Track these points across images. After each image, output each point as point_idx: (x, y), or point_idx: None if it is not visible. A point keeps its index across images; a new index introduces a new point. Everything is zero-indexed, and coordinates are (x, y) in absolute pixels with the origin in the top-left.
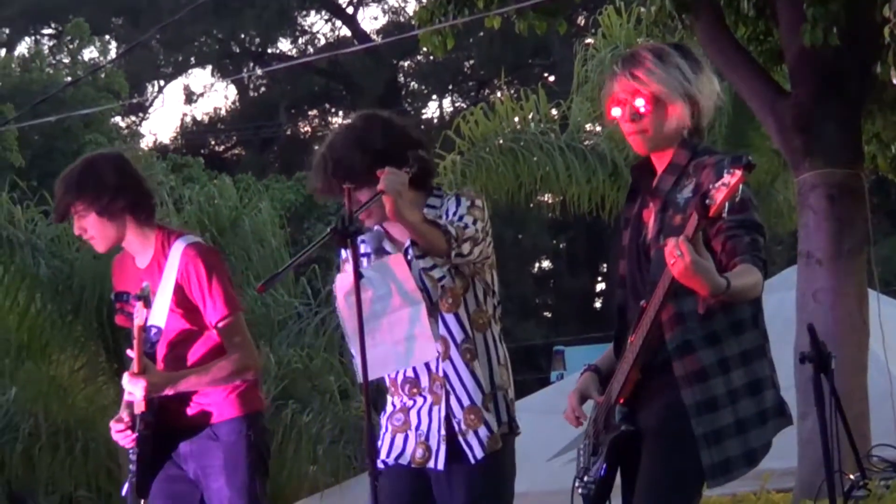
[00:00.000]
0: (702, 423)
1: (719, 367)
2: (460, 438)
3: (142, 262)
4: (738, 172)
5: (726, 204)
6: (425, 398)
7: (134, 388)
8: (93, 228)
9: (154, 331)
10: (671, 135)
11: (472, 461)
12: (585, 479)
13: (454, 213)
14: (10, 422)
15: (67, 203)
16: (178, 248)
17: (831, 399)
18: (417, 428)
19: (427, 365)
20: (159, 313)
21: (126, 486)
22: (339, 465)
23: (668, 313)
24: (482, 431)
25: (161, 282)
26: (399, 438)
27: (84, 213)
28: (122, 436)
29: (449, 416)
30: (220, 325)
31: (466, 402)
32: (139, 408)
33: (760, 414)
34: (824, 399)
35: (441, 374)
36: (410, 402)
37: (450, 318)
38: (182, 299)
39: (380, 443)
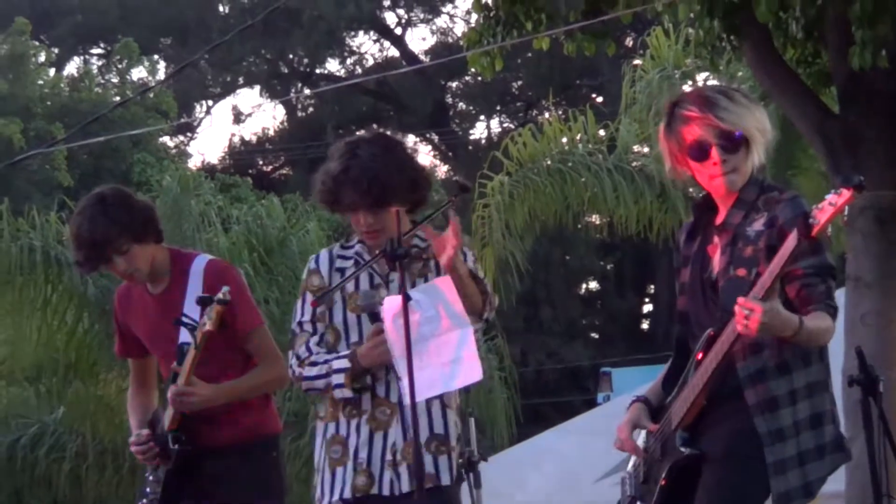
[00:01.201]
0: (773, 452)
1: (788, 398)
2: (389, 470)
3: (155, 288)
4: (847, 193)
5: (829, 225)
6: (361, 420)
7: (183, 400)
8: (137, 259)
9: (186, 349)
10: (750, 172)
11: (398, 493)
12: None
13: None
14: (58, 441)
15: (111, 245)
16: (199, 266)
17: (879, 422)
18: (356, 458)
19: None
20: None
21: None
22: None
23: (745, 341)
24: (446, 461)
25: (185, 302)
26: (339, 471)
27: (126, 247)
28: (143, 449)
29: (389, 445)
30: (251, 333)
31: (410, 436)
32: (171, 424)
33: (819, 448)
34: (872, 422)
35: (394, 401)
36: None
37: None
38: (176, 322)
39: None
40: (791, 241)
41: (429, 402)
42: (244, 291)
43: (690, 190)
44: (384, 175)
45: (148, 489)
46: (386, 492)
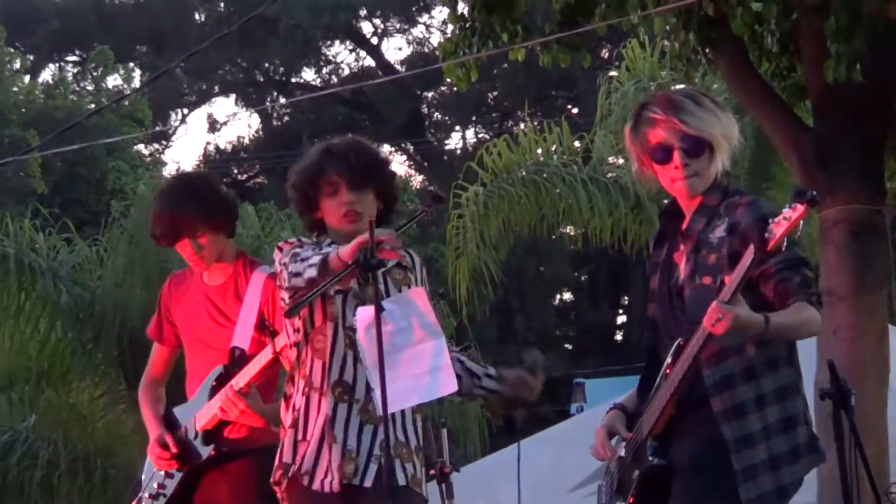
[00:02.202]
0: (741, 459)
1: (756, 404)
2: (375, 463)
3: (212, 279)
4: (801, 207)
5: (785, 239)
6: (352, 407)
7: (229, 406)
8: (208, 247)
9: (238, 352)
10: (714, 177)
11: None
12: None
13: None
14: (30, 449)
15: (193, 224)
16: (259, 277)
17: (851, 436)
18: (345, 444)
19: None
20: (243, 336)
21: None
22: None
23: (710, 349)
24: (408, 467)
25: (243, 306)
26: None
27: (202, 233)
28: (165, 456)
29: (378, 440)
30: None
31: (401, 438)
32: (207, 425)
33: (793, 450)
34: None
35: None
36: (331, 412)
37: None
38: (261, 325)
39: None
40: (748, 255)
41: (413, 415)
42: None
43: (665, 201)
44: (367, 153)
45: (155, 483)
46: (368, 483)
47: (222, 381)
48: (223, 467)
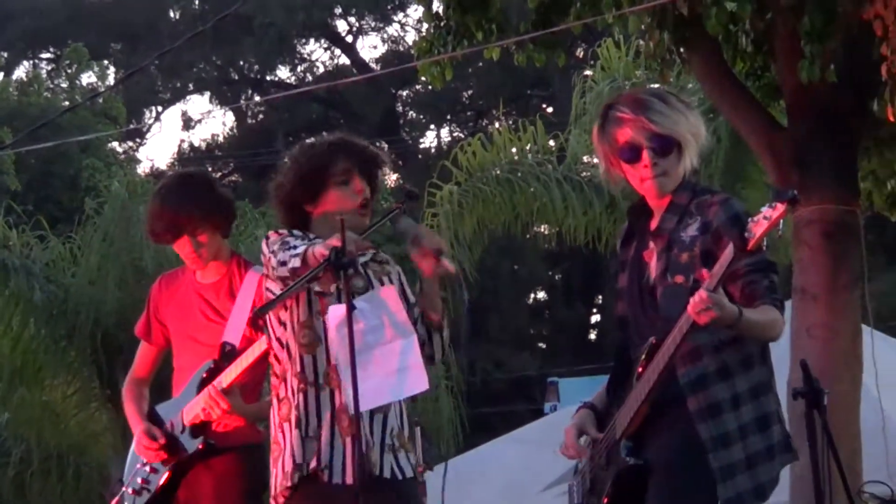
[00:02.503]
0: (718, 458)
1: (731, 403)
2: (389, 454)
3: (206, 277)
4: (781, 207)
5: (765, 238)
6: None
7: (211, 405)
8: (206, 245)
9: (228, 347)
10: (682, 176)
11: (400, 477)
12: None
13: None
14: (2, 447)
15: (194, 222)
16: (254, 276)
17: (824, 435)
18: (365, 435)
19: None
20: (234, 332)
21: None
22: None
23: (685, 348)
24: (412, 457)
25: (236, 303)
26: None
27: (202, 230)
28: (154, 447)
29: (388, 429)
30: None
31: (405, 426)
32: (194, 420)
33: (768, 449)
34: (817, 435)
35: None
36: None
37: None
38: (255, 322)
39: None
40: (728, 254)
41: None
42: None
43: None
44: (371, 146)
45: (139, 478)
46: (387, 474)
47: (212, 374)
48: (207, 463)
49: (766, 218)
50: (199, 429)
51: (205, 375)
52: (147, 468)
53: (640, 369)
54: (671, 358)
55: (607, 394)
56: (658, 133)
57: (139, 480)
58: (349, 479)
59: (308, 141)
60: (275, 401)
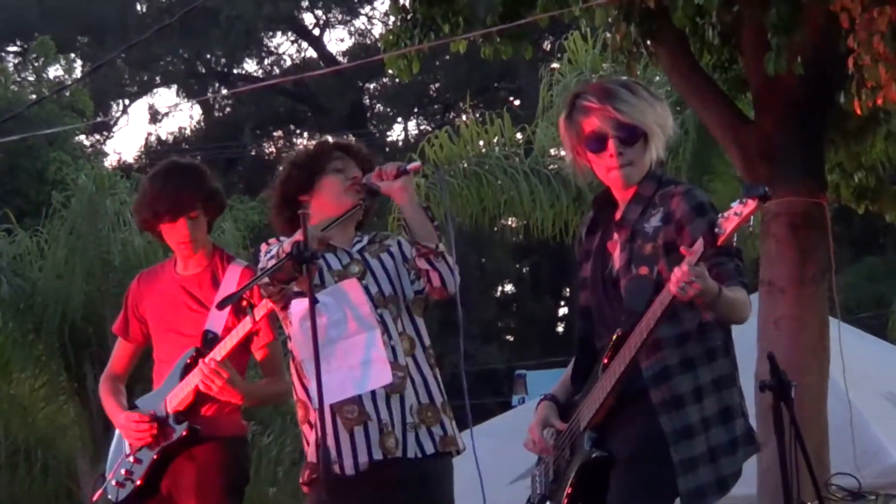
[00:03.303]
0: (679, 451)
1: (694, 395)
2: (411, 432)
3: (188, 269)
4: (753, 203)
5: (734, 234)
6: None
7: (212, 376)
8: (198, 230)
9: (210, 335)
10: (648, 166)
11: (420, 455)
12: None
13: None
14: None
15: (194, 203)
16: (236, 269)
17: (791, 428)
18: (379, 419)
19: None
20: (217, 320)
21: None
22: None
23: (648, 340)
24: (436, 430)
25: (218, 293)
26: (359, 431)
27: (197, 213)
28: (143, 428)
29: (407, 407)
30: (269, 345)
31: (425, 400)
32: (179, 406)
33: (731, 442)
34: (784, 428)
35: (403, 364)
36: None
37: (420, 322)
38: (238, 308)
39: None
40: (697, 249)
41: (431, 366)
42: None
43: None
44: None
45: (123, 469)
46: (411, 454)
47: (196, 360)
48: (191, 453)
49: (736, 214)
50: (183, 415)
51: (188, 361)
52: (131, 459)
53: (605, 360)
54: (639, 348)
55: (572, 384)
56: (624, 122)
57: (123, 472)
58: (362, 468)
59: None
60: (298, 403)
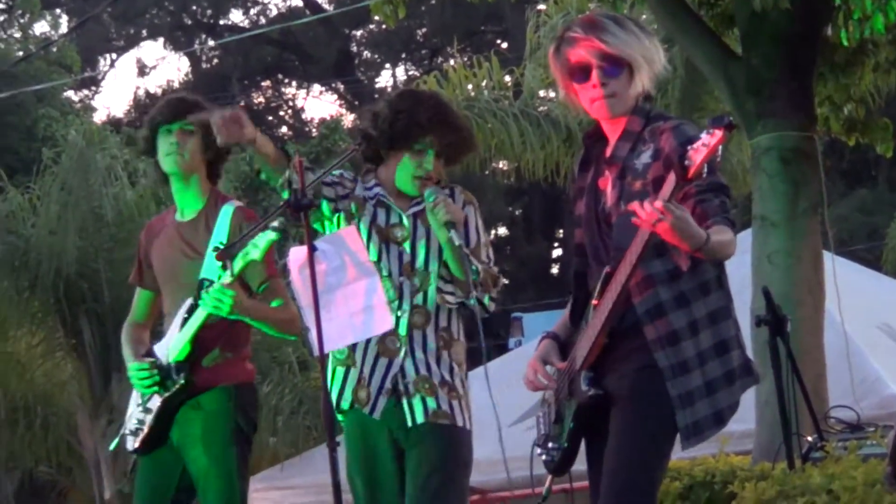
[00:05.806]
0: (676, 385)
1: (689, 330)
2: (404, 400)
3: (185, 215)
4: (719, 133)
5: (705, 165)
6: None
7: (223, 297)
8: (195, 143)
9: (207, 284)
10: (633, 100)
11: (410, 423)
12: (549, 445)
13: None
14: None
15: (196, 108)
16: (228, 209)
17: (788, 362)
18: (362, 369)
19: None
20: (212, 267)
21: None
22: (299, 435)
23: (638, 277)
24: (429, 402)
25: (211, 238)
26: (341, 372)
27: (197, 127)
28: (146, 375)
29: (397, 374)
30: (272, 279)
31: (423, 371)
32: (179, 356)
33: (727, 374)
34: (781, 362)
35: (403, 334)
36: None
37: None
38: (222, 264)
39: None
40: (669, 183)
41: (438, 352)
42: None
43: None
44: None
45: (134, 419)
46: (377, 415)
47: (192, 312)
48: (197, 401)
49: (704, 145)
50: (182, 365)
51: (185, 315)
52: (140, 409)
53: (594, 301)
54: (625, 286)
55: (571, 321)
56: (608, 53)
57: (134, 421)
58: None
59: (412, 92)
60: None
